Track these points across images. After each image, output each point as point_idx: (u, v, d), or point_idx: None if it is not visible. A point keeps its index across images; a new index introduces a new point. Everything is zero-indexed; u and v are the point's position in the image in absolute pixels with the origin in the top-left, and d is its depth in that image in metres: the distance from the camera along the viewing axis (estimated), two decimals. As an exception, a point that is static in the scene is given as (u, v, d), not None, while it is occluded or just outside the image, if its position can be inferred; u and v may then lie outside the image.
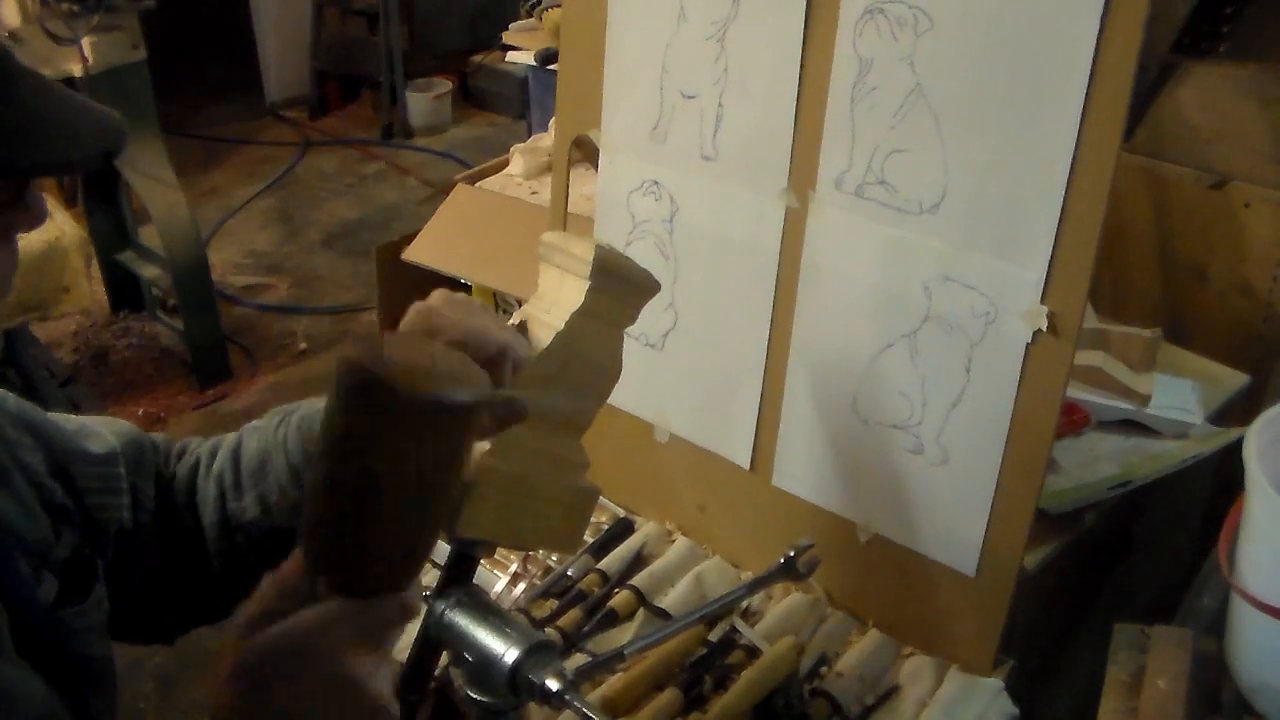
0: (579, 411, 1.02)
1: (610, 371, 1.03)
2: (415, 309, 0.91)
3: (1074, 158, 1.10)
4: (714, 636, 1.35)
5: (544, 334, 0.97)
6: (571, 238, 1.02)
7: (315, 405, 1.02)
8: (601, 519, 1.57)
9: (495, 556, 1.48)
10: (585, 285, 0.98)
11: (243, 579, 0.92)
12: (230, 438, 1.06)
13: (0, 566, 0.82)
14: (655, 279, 1.05)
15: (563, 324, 0.97)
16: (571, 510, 1.05)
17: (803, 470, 1.41)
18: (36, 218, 0.78)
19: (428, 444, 0.74)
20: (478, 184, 2.66)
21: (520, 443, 0.96)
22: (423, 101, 5.48)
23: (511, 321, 0.98)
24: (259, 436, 1.03)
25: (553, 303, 1.00)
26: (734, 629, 1.36)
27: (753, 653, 1.32)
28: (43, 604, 0.86)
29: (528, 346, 0.94)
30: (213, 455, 1.05)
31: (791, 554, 1.18)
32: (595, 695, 1.25)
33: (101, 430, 1.00)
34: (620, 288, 1.01)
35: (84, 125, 0.78)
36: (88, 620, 0.90)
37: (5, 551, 0.83)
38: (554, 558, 1.49)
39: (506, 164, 2.73)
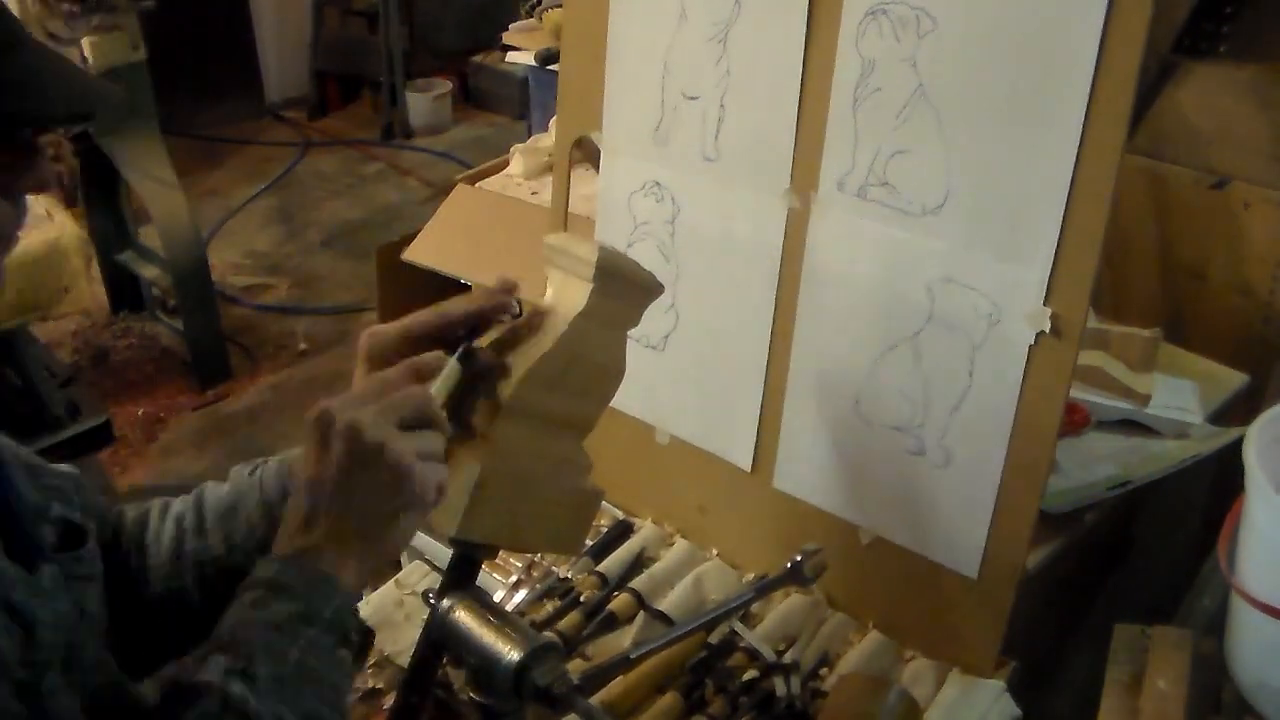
0: (582, 413, 1.02)
1: (613, 373, 1.03)
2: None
3: (1077, 158, 1.10)
4: (714, 639, 1.35)
5: (546, 336, 0.97)
6: (575, 239, 1.02)
7: (292, 452, 1.03)
8: (601, 521, 1.56)
9: (498, 562, 1.47)
10: (588, 287, 0.98)
11: (176, 627, 0.99)
12: (183, 496, 1.07)
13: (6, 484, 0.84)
14: (658, 281, 1.04)
15: (566, 326, 0.97)
16: (574, 512, 1.04)
17: (804, 472, 1.41)
18: (42, 180, 0.80)
19: None
20: (478, 184, 2.66)
21: (523, 445, 0.96)
22: (423, 102, 5.47)
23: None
24: (229, 484, 1.05)
25: (555, 304, 1.00)
26: (734, 632, 1.35)
27: (753, 655, 1.32)
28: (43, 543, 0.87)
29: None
30: (166, 505, 1.06)
31: (799, 559, 1.16)
32: (595, 698, 1.25)
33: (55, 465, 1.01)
34: (623, 290, 1.01)
35: (81, 84, 0.81)
36: (83, 569, 0.90)
37: (7, 480, 0.85)
38: (549, 559, 1.48)
39: (506, 164, 2.73)
